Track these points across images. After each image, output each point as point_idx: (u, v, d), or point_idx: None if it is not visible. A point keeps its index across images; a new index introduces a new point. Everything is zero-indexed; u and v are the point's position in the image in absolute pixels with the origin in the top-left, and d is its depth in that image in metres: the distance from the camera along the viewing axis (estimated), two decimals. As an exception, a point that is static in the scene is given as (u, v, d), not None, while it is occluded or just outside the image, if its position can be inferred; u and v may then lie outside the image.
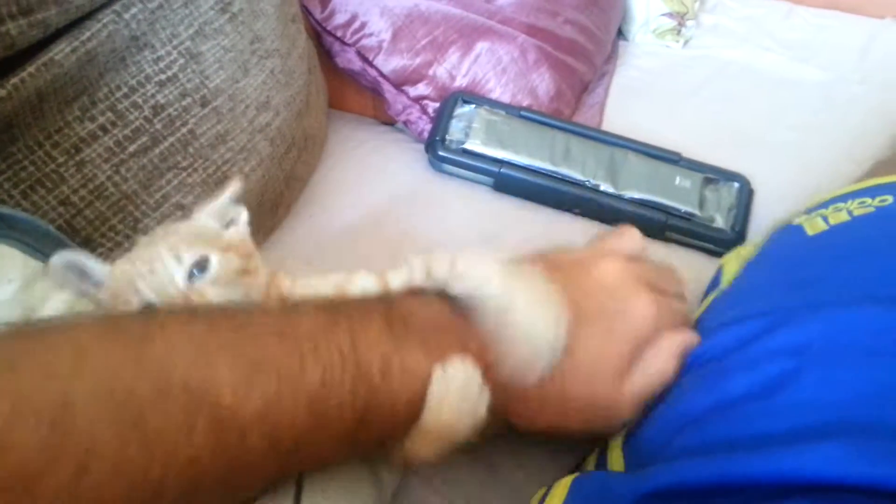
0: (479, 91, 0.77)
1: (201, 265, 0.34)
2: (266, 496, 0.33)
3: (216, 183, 0.54)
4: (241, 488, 0.31)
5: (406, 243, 0.65)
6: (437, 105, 0.75)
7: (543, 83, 0.78)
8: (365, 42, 0.76)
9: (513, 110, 0.74)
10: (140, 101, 0.48)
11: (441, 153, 0.71)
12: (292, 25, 0.66)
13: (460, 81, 0.77)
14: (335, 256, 0.64)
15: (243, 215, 0.39)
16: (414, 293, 0.38)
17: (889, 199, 0.43)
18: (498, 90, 0.77)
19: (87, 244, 0.44)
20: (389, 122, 0.83)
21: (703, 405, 0.37)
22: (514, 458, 0.46)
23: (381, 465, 0.40)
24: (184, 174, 0.51)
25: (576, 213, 0.69)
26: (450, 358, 0.34)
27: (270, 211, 0.63)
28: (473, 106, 0.73)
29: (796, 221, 0.47)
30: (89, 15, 0.44)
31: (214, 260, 0.34)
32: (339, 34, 0.77)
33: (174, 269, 0.33)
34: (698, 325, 0.44)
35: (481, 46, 0.77)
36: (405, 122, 0.79)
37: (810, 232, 0.44)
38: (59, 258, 0.34)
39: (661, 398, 0.40)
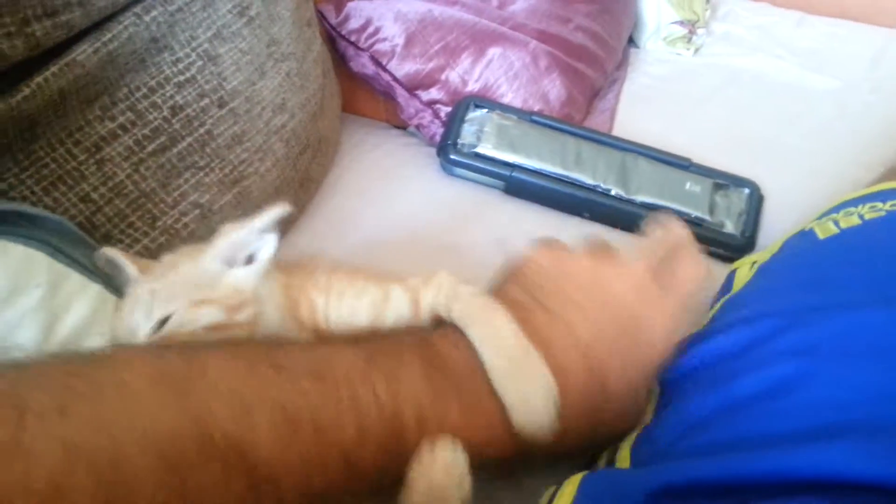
0: (491, 96, 0.77)
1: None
2: None
3: (232, 182, 0.55)
4: None
5: (418, 246, 0.65)
6: (449, 109, 0.76)
7: (555, 89, 0.79)
8: (378, 47, 0.77)
9: (524, 115, 0.74)
10: (159, 101, 0.49)
11: (453, 157, 0.71)
12: (308, 30, 0.67)
13: (472, 86, 0.77)
14: (348, 259, 0.64)
15: (265, 250, 0.39)
16: (442, 334, 0.38)
17: (900, 203, 0.43)
18: (509, 95, 0.77)
19: (107, 240, 0.45)
20: (402, 126, 0.84)
21: (713, 405, 0.37)
22: (525, 455, 0.46)
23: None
24: (201, 173, 0.52)
25: (586, 217, 0.70)
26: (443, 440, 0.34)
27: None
28: (485, 110, 0.74)
29: (808, 226, 0.47)
30: (111, 17, 0.45)
31: (174, 318, 0.36)
32: (353, 39, 0.78)
33: (141, 324, 0.36)
34: (709, 327, 0.44)
35: (493, 52, 0.78)
36: (417, 126, 0.80)
37: (821, 235, 0.44)
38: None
39: (669, 399, 0.40)
